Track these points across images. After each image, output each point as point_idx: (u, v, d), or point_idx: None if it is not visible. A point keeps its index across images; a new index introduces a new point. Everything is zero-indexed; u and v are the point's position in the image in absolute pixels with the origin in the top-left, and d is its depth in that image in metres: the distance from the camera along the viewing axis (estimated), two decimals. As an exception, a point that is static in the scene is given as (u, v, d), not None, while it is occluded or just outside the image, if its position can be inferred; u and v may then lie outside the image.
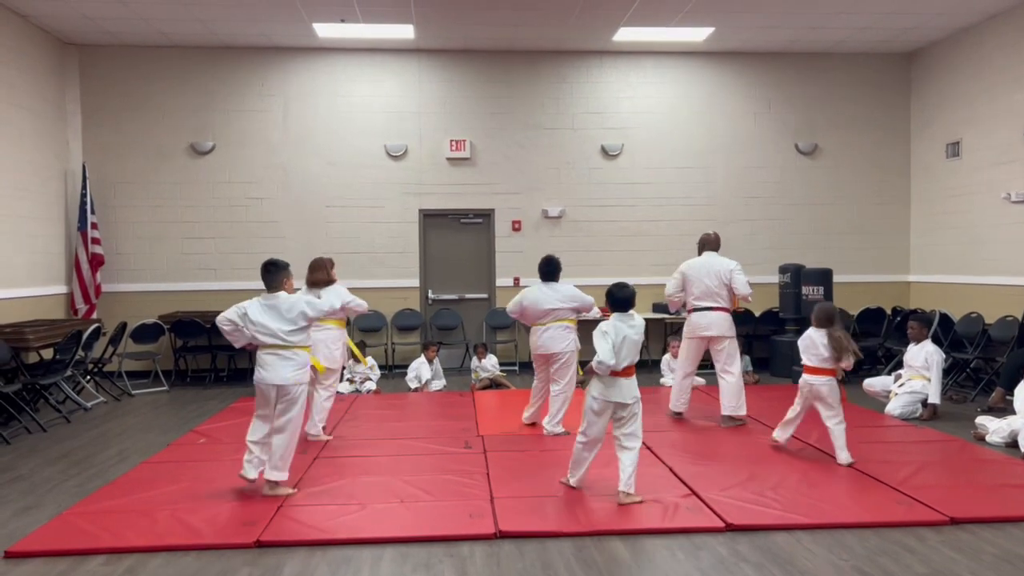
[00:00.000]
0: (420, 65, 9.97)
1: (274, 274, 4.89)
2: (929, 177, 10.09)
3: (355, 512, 4.46)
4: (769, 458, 5.55)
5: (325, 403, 6.24)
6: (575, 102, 10.14)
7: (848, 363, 5.34)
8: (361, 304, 6.03)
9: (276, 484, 4.77)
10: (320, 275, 6.11)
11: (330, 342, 6.11)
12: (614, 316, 4.68)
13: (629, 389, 4.59)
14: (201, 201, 9.74)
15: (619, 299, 4.71)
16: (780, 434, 5.80)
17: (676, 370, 7.06)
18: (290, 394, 4.77)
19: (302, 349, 4.86)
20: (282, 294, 4.88)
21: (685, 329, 6.88)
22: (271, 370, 4.74)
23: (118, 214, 9.62)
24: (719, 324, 6.60)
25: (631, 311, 4.71)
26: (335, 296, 5.75)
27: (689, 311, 6.77)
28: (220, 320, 4.84)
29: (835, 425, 5.38)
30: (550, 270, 6.35)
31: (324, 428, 6.30)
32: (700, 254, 6.86)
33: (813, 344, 5.44)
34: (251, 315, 4.77)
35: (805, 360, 5.46)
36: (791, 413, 5.71)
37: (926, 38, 9.71)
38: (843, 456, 5.32)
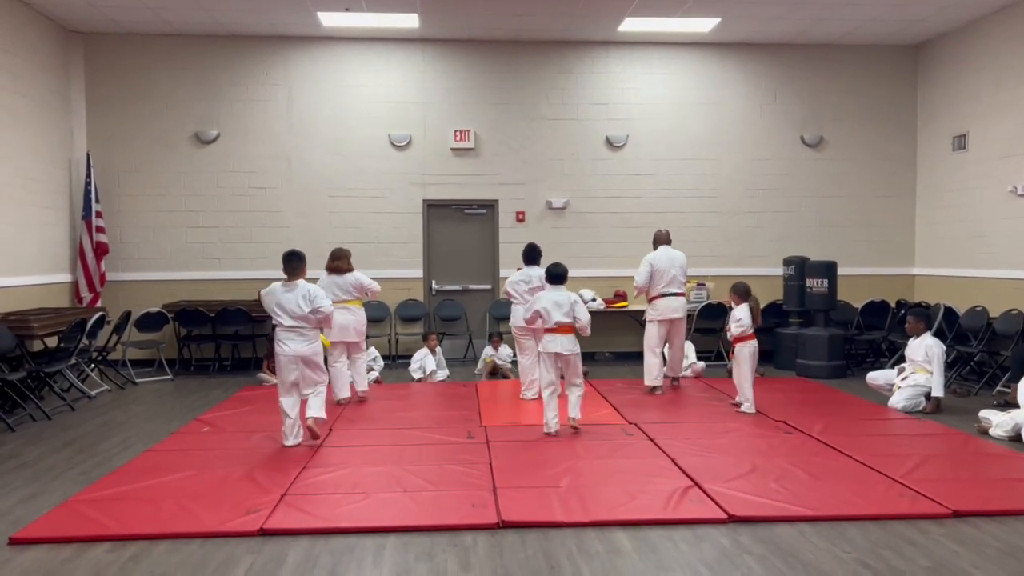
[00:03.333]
0: (424, 55, 9.94)
1: (296, 264, 5.75)
2: (935, 170, 10.05)
3: (358, 501, 4.48)
4: (772, 450, 5.55)
5: (362, 368, 7.45)
6: (580, 93, 10.10)
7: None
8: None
9: (317, 420, 5.83)
10: (341, 263, 7.16)
11: (357, 322, 7.19)
12: (548, 287, 6.17)
13: (563, 343, 5.95)
14: (205, 190, 9.74)
15: (553, 274, 6.17)
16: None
17: (649, 349, 7.75)
18: (312, 361, 5.76)
19: (313, 329, 5.75)
20: (300, 282, 5.71)
21: (653, 313, 7.69)
22: (291, 344, 5.64)
23: (122, 203, 9.63)
24: (684, 307, 7.72)
25: (562, 286, 6.11)
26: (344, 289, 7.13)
27: (657, 297, 7.66)
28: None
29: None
30: (534, 256, 7.40)
31: (366, 390, 7.46)
32: (655, 249, 7.80)
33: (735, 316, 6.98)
34: (277, 298, 5.68)
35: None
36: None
37: (933, 30, 9.65)
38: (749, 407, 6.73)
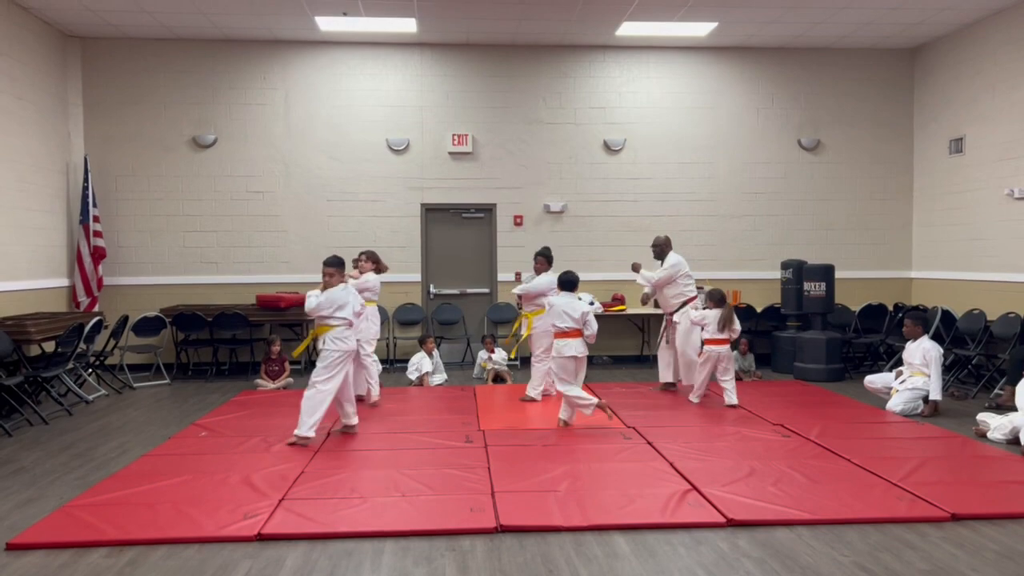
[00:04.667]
0: (422, 59, 9.95)
1: (343, 267, 6.11)
2: (932, 173, 10.07)
3: (356, 505, 4.47)
4: (770, 453, 5.55)
5: (372, 368, 7.56)
6: (578, 97, 10.12)
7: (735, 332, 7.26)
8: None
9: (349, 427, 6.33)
10: (381, 265, 7.65)
11: (371, 316, 7.27)
12: (562, 293, 6.52)
13: (576, 347, 6.35)
14: (203, 194, 9.73)
15: (564, 281, 6.58)
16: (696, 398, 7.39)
17: (665, 350, 7.91)
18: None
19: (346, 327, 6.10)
20: (344, 284, 6.13)
21: (696, 315, 7.49)
22: (350, 342, 5.99)
23: (120, 207, 9.62)
24: None
25: (576, 292, 6.53)
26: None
27: (693, 299, 7.68)
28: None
29: (729, 378, 7.25)
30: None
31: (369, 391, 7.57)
32: (664, 255, 7.78)
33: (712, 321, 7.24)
34: (339, 299, 5.99)
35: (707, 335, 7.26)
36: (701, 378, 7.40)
37: (930, 34, 9.68)
38: (732, 398, 7.16)
